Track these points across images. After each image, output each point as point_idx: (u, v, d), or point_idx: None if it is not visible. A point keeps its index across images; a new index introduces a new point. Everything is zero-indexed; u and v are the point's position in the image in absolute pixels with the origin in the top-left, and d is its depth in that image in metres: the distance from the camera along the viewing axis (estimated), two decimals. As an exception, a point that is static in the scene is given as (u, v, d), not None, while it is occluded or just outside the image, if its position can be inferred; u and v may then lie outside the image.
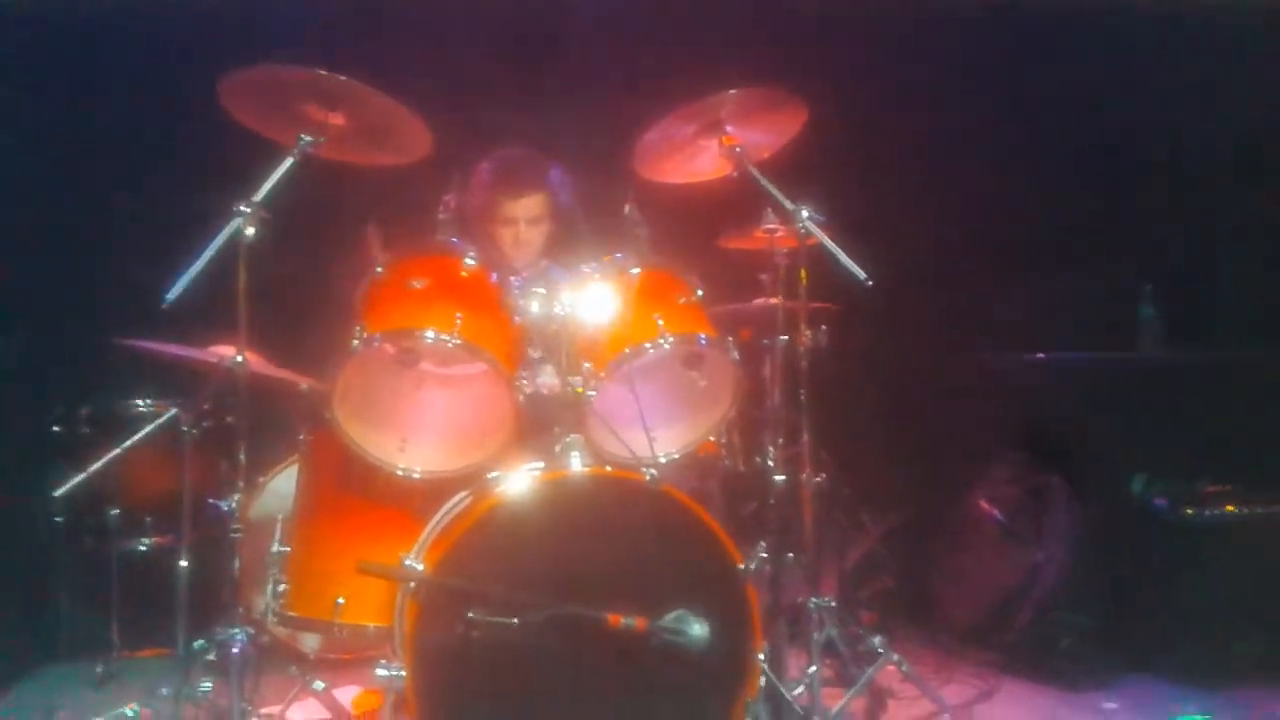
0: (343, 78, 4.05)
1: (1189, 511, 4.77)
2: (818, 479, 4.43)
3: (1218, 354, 5.40)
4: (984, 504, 5.42)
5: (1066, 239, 5.89)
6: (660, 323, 4.06)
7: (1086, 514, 5.01)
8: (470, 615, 3.59)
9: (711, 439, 4.38)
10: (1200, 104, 6.00)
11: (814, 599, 4.42)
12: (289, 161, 4.06)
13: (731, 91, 4.38)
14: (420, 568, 3.70)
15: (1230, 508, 4.76)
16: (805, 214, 4.26)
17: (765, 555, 4.48)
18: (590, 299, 4.07)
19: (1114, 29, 5.95)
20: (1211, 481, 4.88)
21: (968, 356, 5.71)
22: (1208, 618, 4.77)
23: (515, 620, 3.59)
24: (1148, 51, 5.97)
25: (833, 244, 4.19)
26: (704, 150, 4.56)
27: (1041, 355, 5.47)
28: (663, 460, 4.10)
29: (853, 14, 5.81)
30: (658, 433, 4.07)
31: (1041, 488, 5.21)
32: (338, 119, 4.18)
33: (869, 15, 5.87)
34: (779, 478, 4.38)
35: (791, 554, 4.54)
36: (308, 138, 4.11)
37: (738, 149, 4.44)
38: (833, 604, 4.57)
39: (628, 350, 4.02)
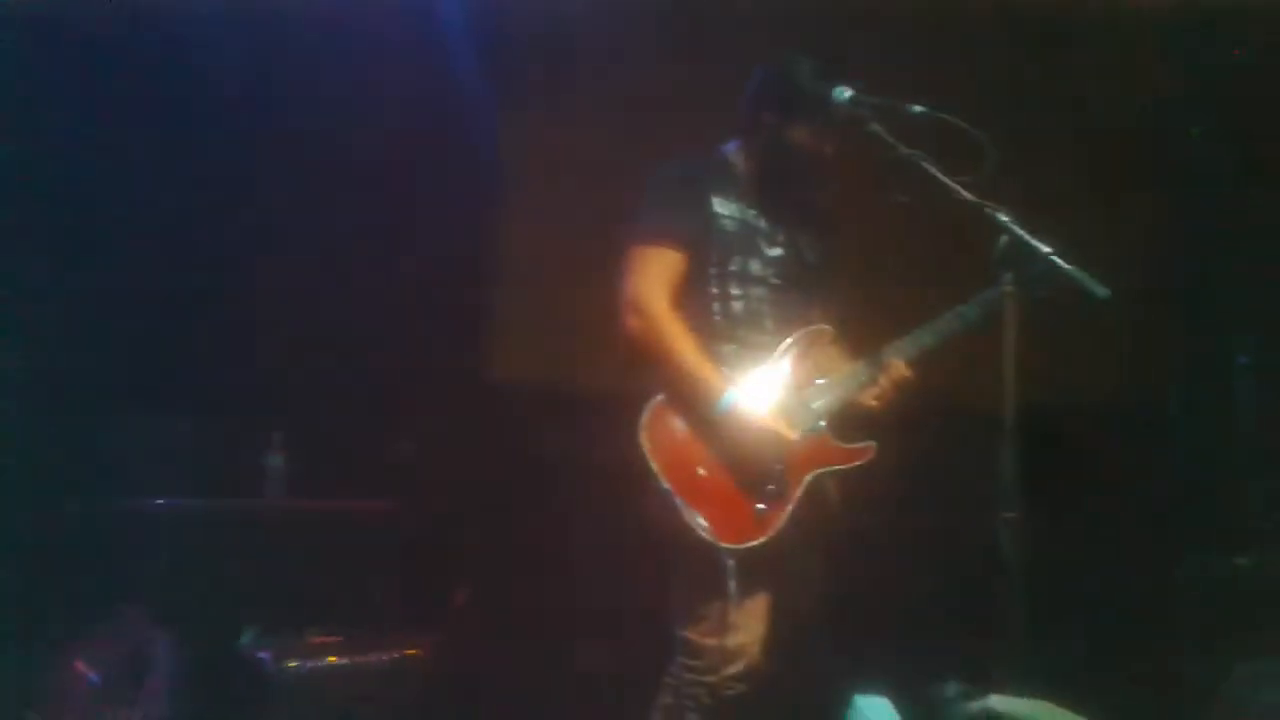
0: None
1: (291, 664, 4.43)
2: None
3: (336, 503, 5.03)
4: (79, 666, 4.66)
5: (187, 381, 5.18)
6: None
7: (194, 669, 4.54)
8: None
9: None
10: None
11: None
12: None
13: None
14: None
15: (332, 659, 4.50)
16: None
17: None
18: None
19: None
20: (321, 632, 4.60)
21: (78, 502, 4.89)
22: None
23: None
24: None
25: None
26: None
27: (161, 501, 4.89)
28: None
29: None
30: None
31: (144, 644, 4.61)
32: None
33: None
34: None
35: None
36: None
37: None
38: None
39: None
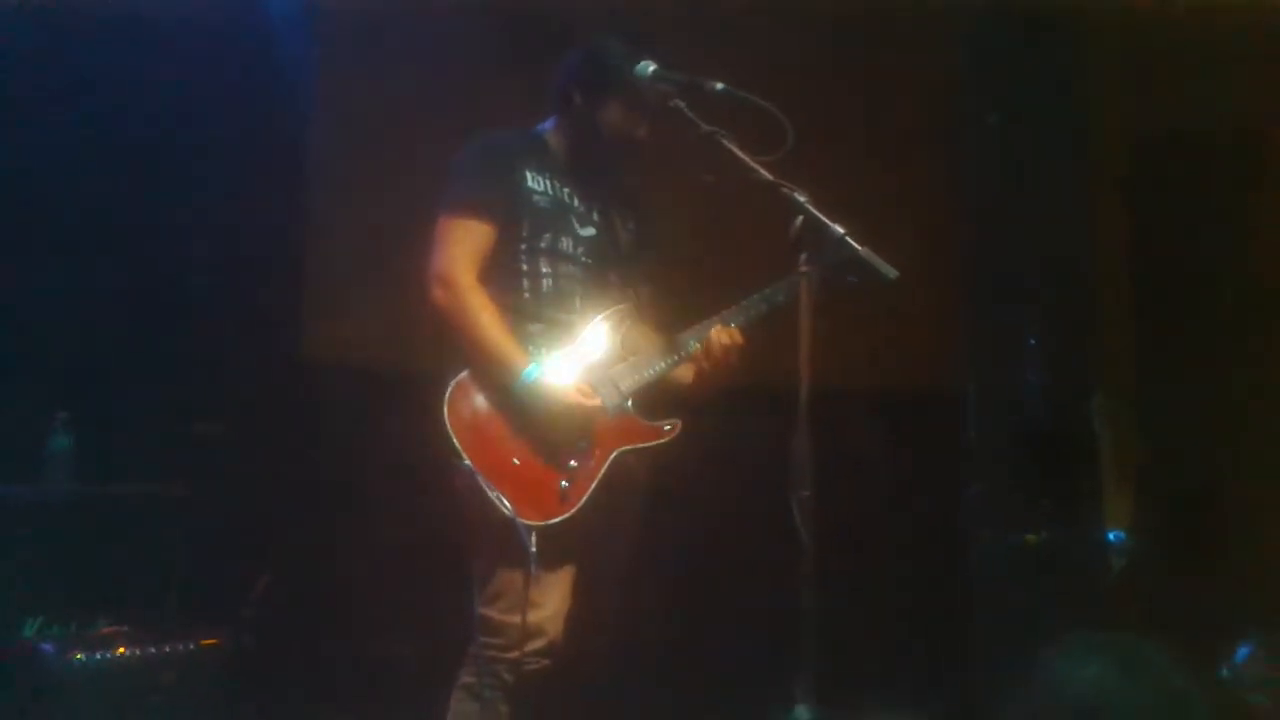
0: None
1: (79, 656, 4.19)
2: None
3: (122, 488, 4.80)
4: None
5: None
6: None
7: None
8: None
9: None
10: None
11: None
12: None
13: None
14: None
15: (122, 650, 4.26)
16: None
17: None
18: None
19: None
20: (110, 622, 4.39)
21: None
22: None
23: None
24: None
25: None
26: None
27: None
28: None
29: None
30: None
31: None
32: None
33: None
34: None
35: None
36: None
37: None
38: None
39: None
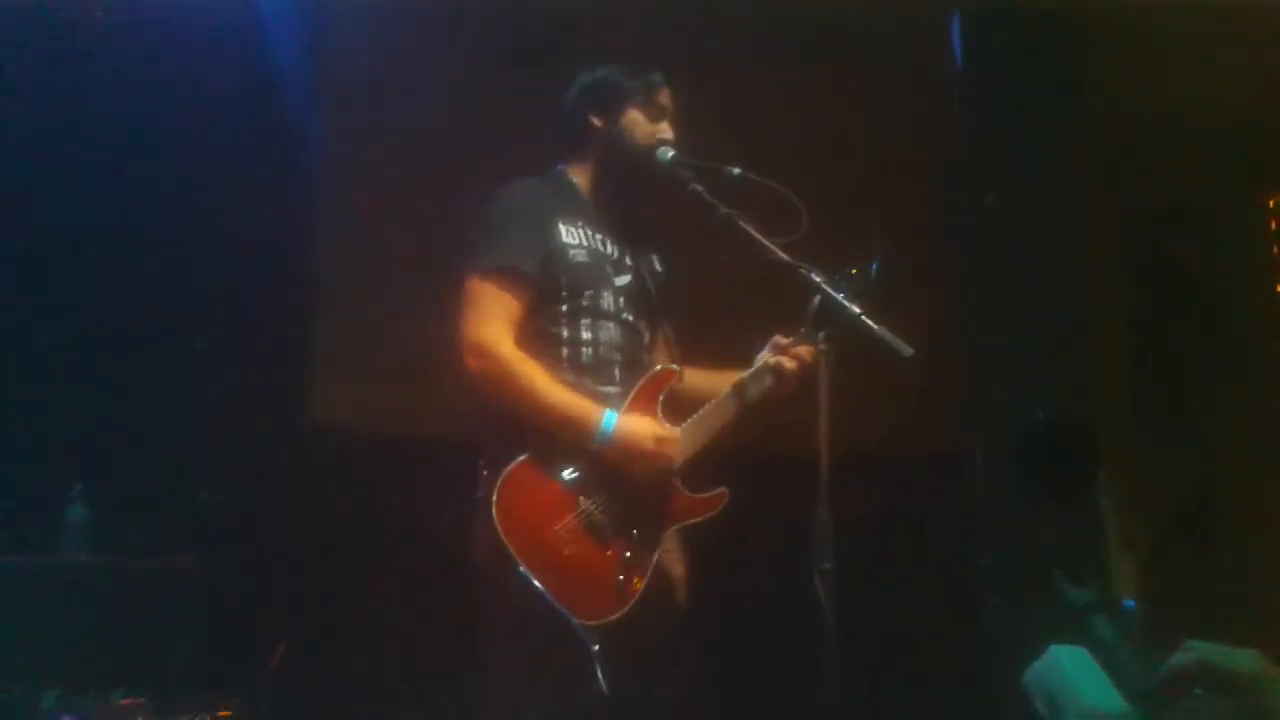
0: None
1: None
2: None
3: (142, 561, 4.85)
4: None
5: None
6: None
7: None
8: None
9: None
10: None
11: None
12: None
13: None
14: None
15: None
16: None
17: None
18: None
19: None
20: (127, 693, 4.39)
21: None
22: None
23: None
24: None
25: None
26: None
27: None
28: None
29: None
30: None
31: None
32: None
33: None
34: None
35: None
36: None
37: None
38: None
39: None
